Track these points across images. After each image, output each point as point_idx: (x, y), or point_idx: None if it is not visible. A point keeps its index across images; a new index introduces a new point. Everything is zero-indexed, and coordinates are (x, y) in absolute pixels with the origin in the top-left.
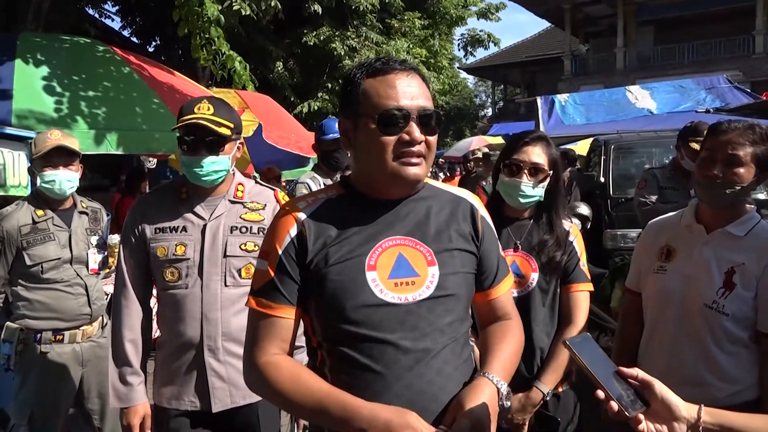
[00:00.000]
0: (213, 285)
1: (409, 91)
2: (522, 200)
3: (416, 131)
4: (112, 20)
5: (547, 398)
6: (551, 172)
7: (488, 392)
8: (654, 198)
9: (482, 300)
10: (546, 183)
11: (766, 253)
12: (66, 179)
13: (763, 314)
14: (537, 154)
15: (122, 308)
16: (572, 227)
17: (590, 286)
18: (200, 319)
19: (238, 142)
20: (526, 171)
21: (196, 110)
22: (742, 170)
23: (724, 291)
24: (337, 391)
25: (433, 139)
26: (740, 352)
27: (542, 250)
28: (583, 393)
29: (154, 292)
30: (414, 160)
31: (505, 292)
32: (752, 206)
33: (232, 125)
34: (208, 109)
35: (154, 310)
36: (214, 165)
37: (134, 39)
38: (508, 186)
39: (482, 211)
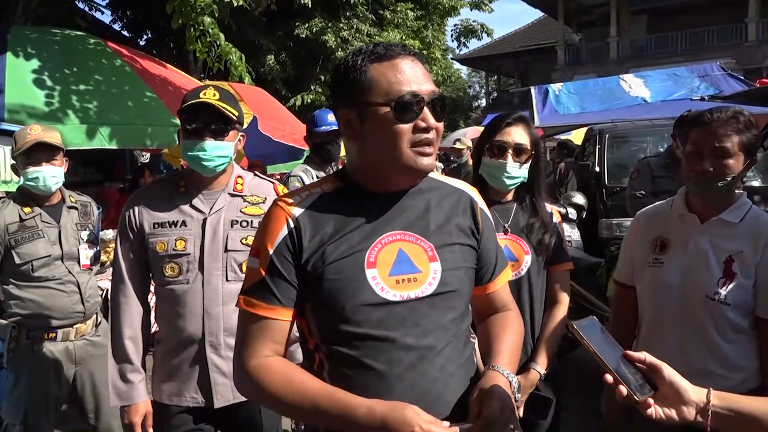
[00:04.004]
0: (214, 280)
1: (417, 76)
2: (507, 182)
3: (431, 117)
4: (102, 13)
5: (543, 378)
6: (533, 152)
7: (503, 383)
8: (644, 191)
9: (480, 293)
10: (529, 164)
11: (762, 238)
12: (50, 175)
13: (763, 300)
14: (520, 135)
15: (121, 305)
16: (552, 208)
17: (571, 265)
18: (202, 314)
19: (240, 133)
20: (510, 152)
21: (201, 95)
22: (731, 161)
23: (725, 281)
24: (331, 390)
25: (441, 125)
26: (741, 340)
27: (531, 232)
28: (564, 373)
29: (152, 287)
30: (428, 149)
31: (503, 284)
32: (742, 191)
33: (236, 113)
34: (214, 95)
35: (152, 305)
36: (217, 150)
37: (125, 33)
38: (493, 168)
39: (481, 204)
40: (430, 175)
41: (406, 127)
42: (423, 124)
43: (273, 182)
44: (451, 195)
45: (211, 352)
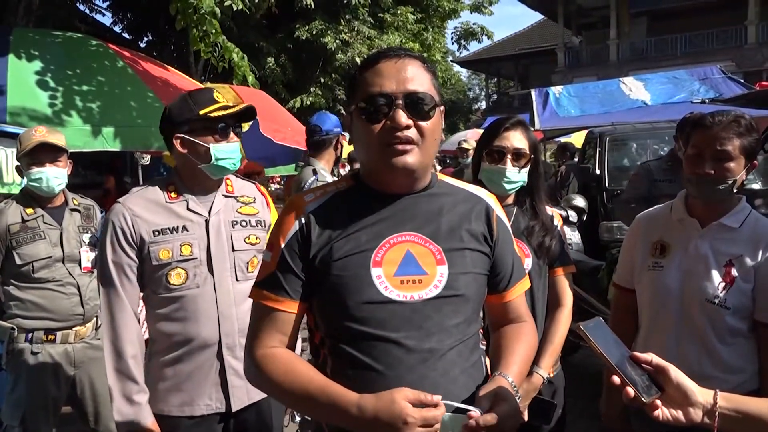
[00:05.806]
0: (225, 282)
1: (396, 76)
2: (507, 186)
3: (401, 116)
4: (103, 15)
5: (546, 383)
6: (532, 156)
7: (509, 389)
8: (636, 200)
9: (496, 302)
10: (528, 168)
11: (762, 242)
12: (53, 176)
13: (761, 304)
14: (518, 139)
15: (119, 321)
16: (553, 211)
17: (573, 268)
18: (216, 317)
19: None
20: (509, 157)
21: (216, 98)
22: (732, 164)
23: (725, 285)
24: (328, 385)
25: (426, 124)
26: (740, 343)
27: (531, 235)
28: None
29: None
30: (402, 147)
31: (519, 294)
32: (742, 195)
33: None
34: (224, 99)
35: (141, 316)
36: (239, 152)
37: (125, 35)
38: (493, 173)
39: (498, 211)
40: (448, 180)
41: (375, 127)
42: (390, 123)
43: (254, 182)
44: (467, 201)
45: (228, 354)
